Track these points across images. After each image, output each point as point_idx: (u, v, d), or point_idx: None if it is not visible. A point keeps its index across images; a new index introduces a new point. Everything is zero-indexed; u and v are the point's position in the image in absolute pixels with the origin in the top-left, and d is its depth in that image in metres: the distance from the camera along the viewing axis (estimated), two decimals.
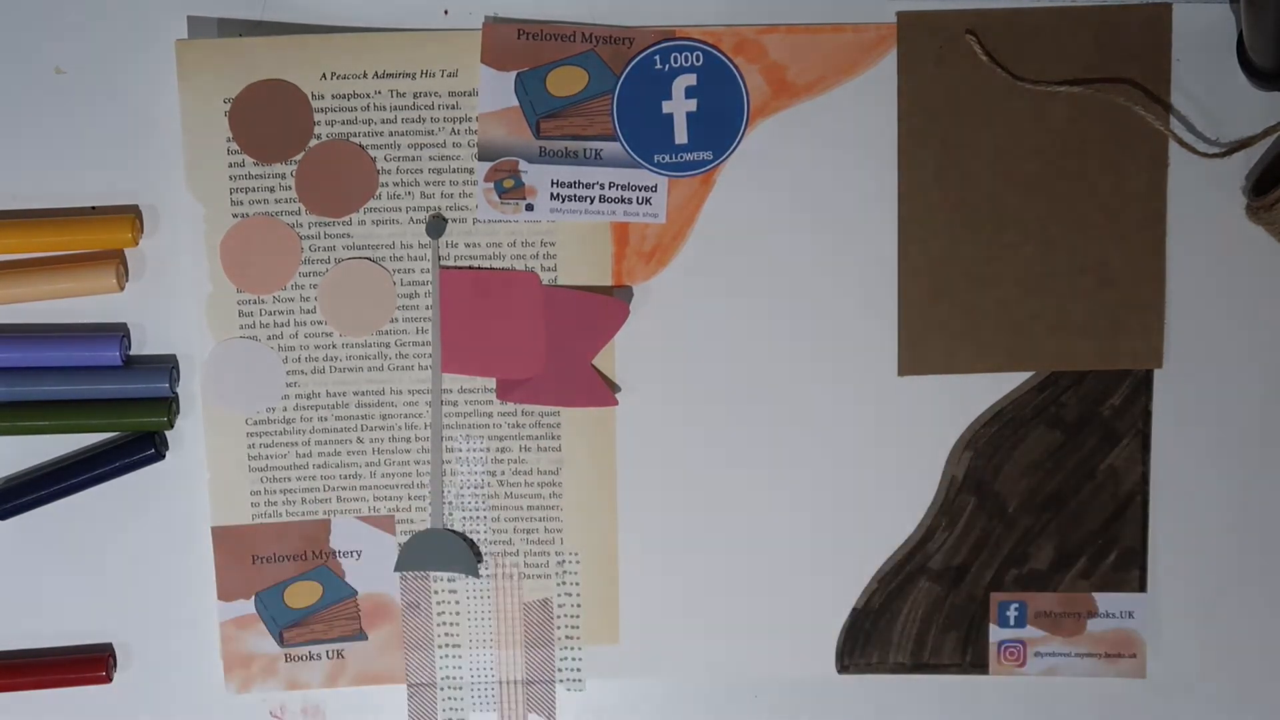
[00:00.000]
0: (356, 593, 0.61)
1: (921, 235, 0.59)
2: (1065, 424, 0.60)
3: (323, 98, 0.58)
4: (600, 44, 0.58)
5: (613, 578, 0.61)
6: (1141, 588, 0.61)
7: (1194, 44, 0.58)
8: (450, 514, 0.61)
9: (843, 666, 0.62)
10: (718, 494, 0.61)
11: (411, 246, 0.59)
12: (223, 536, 0.60)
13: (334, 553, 0.60)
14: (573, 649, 0.62)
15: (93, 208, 0.59)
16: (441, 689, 0.62)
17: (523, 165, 0.58)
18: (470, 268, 0.59)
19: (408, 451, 0.60)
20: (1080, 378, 0.60)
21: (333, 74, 0.58)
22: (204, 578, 0.60)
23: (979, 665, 0.62)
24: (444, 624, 0.62)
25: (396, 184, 0.59)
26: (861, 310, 0.60)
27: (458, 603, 0.61)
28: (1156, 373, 0.60)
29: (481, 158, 0.58)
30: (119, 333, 0.59)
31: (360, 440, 0.60)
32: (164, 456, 0.60)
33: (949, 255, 0.59)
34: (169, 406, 0.59)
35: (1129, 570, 0.61)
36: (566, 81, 0.58)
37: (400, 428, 0.60)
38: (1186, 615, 0.61)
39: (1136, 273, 0.59)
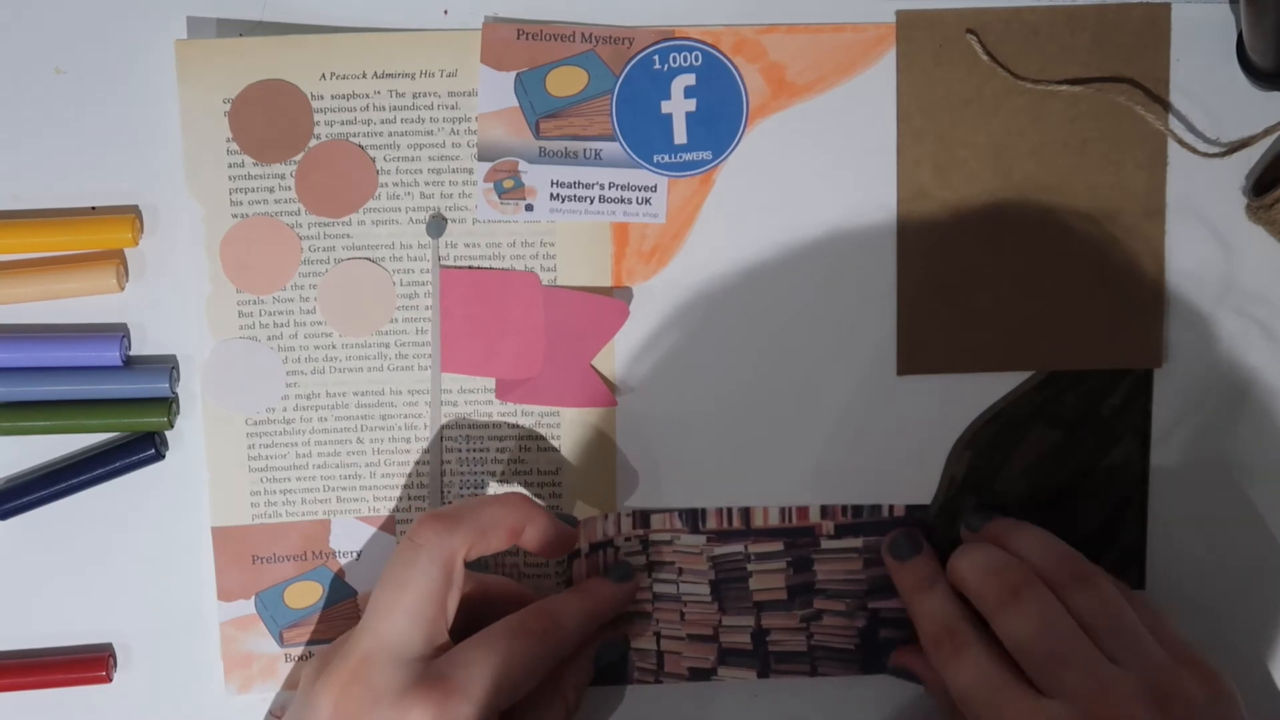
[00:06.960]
0: (356, 593, 0.61)
1: (921, 235, 0.59)
2: (1065, 424, 0.60)
3: (323, 98, 0.58)
4: (600, 44, 0.58)
5: None
6: (1140, 588, 0.61)
7: (1194, 44, 0.58)
8: None
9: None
10: (718, 494, 0.61)
11: (411, 246, 0.59)
12: (223, 537, 0.60)
13: (334, 553, 0.60)
14: None
15: (93, 208, 0.59)
16: None
17: (522, 165, 0.58)
18: (470, 268, 0.59)
19: (408, 451, 0.60)
20: (1080, 378, 0.60)
21: (333, 74, 0.58)
22: (204, 578, 0.60)
23: None
24: None
25: (396, 184, 0.59)
26: (861, 310, 0.60)
27: None
28: (1156, 373, 0.60)
29: (481, 158, 0.58)
30: (119, 333, 0.59)
31: (360, 440, 0.60)
32: (164, 456, 0.60)
33: (949, 255, 0.59)
34: (169, 406, 0.59)
35: (1128, 570, 0.61)
36: (566, 81, 0.58)
37: (400, 428, 0.60)
38: (1186, 615, 0.61)
39: (1136, 273, 0.59)
